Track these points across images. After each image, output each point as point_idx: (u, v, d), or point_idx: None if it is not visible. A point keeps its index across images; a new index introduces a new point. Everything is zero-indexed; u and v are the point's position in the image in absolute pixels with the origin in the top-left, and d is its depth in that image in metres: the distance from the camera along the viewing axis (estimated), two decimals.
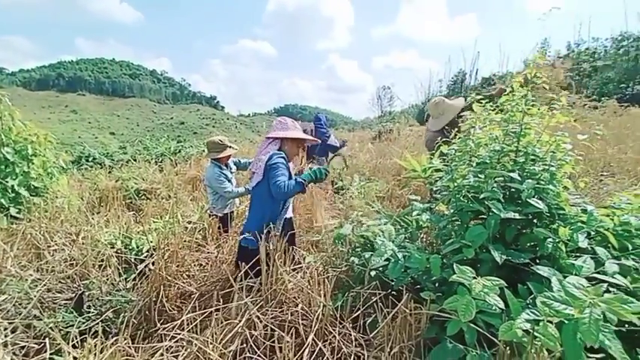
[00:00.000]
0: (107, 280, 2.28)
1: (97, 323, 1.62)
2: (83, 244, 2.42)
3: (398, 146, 5.83)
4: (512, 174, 1.26)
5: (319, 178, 1.83)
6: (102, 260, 2.42)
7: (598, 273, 1.01)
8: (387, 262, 1.40)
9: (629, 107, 7.82)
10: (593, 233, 1.33)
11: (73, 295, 1.98)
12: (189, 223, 2.81)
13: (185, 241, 2.50)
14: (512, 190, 1.41)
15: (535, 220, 1.49)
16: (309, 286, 1.58)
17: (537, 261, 1.31)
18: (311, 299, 1.52)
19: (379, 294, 1.39)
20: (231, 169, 3.06)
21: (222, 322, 1.37)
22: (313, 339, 1.36)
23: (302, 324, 1.43)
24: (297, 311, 1.49)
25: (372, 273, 1.55)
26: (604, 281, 0.98)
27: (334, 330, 1.41)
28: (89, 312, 1.81)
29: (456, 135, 1.71)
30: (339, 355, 1.33)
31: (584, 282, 0.91)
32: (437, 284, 1.38)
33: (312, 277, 1.61)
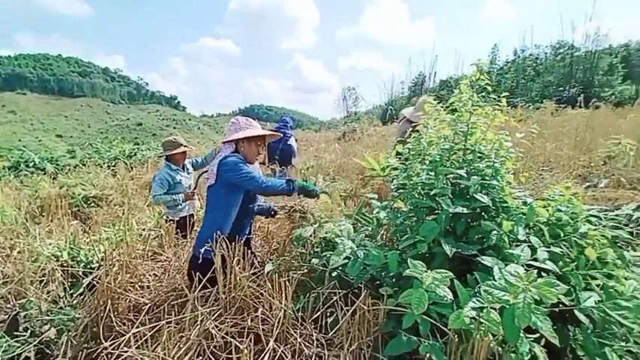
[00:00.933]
0: (49, 297, 2.07)
1: (33, 346, 1.46)
2: (18, 258, 2.18)
3: (362, 146, 5.95)
4: (459, 171, 1.33)
5: (310, 192, 1.79)
6: (43, 275, 2.20)
7: (534, 260, 1.10)
8: (346, 261, 1.42)
9: (566, 108, 8.70)
10: (532, 224, 1.44)
11: (6, 316, 1.78)
12: (144, 230, 2.65)
13: (139, 249, 2.36)
14: (462, 186, 1.49)
15: (483, 214, 1.59)
16: (269, 290, 1.55)
17: (484, 252, 1.40)
18: (272, 303, 1.49)
19: (339, 293, 1.39)
20: (188, 170, 2.93)
21: (175, 335, 1.29)
22: (274, 343, 1.34)
23: (262, 329, 1.40)
24: (257, 316, 1.45)
25: (334, 273, 1.56)
26: (539, 268, 1.06)
27: (295, 332, 1.40)
28: (25, 335, 1.63)
29: (411, 134, 1.78)
30: (301, 357, 1.32)
31: (520, 270, 0.98)
32: (395, 279, 1.42)
33: (272, 281, 1.58)
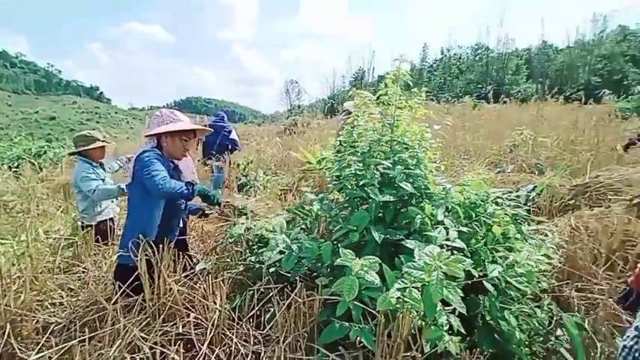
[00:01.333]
0: None
1: None
2: None
3: (303, 139, 5.97)
4: (385, 161, 1.40)
5: (209, 198, 1.65)
6: None
7: (447, 240, 1.22)
8: (282, 256, 1.41)
9: (483, 103, 9.85)
10: (450, 207, 1.59)
11: None
12: (55, 239, 2.32)
13: (48, 262, 2.06)
14: (391, 175, 1.57)
15: (410, 200, 1.71)
16: (203, 292, 1.48)
17: (411, 236, 1.51)
18: (206, 306, 1.42)
19: (275, 288, 1.38)
20: (111, 168, 2.63)
21: (92, 354, 1.16)
22: (209, 347, 1.28)
23: (195, 334, 1.33)
24: (189, 322, 1.37)
25: (271, 269, 1.55)
26: (454, 247, 1.18)
27: (232, 332, 1.36)
28: None
29: (343, 127, 1.82)
30: (238, 356, 1.28)
31: (437, 249, 1.08)
32: (330, 270, 1.45)
33: (206, 282, 1.50)
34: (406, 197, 1.73)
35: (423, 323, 1.15)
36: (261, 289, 1.51)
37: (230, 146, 4.97)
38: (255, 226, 1.62)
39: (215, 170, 4.95)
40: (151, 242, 1.51)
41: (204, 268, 1.60)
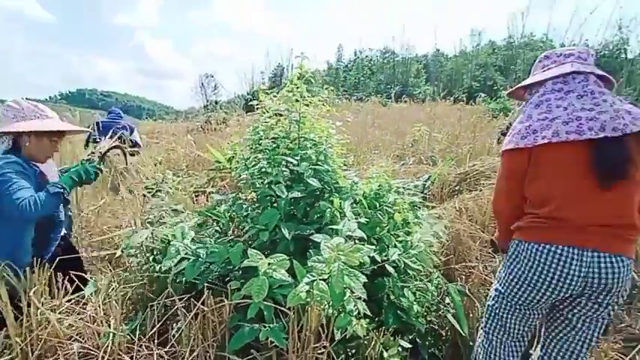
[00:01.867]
0: None
1: None
2: None
3: (219, 137, 5.66)
4: (289, 158, 1.41)
5: (86, 178, 1.38)
6: None
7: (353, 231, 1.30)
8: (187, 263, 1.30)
9: (392, 102, 10.84)
10: (357, 199, 1.70)
11: None
12: None
13: None
14: (300, 172, 1.60)
15: (322, 195, 1.77)
16: (93, 317, 1.27)
17: (322, 230, 1.56)
18: (95, 332, 1.22)
19: (182, 299, 1.27)
20: None
21: None
22: None
23: None
24: (74, 353, 1.17)
25: (178, 279, 1.42)
26: (357, 237, 1.26)
27: (131, 356, 1.20)
28: None
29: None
30: None
31: (341, 241, 1.13)
32: (242, 272, 1.41)
33: (97, 305, 1.30)
34: (317, 192, 1.79)
35: (335, 312, 1.21)
36: (167, 303, 1.38)
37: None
38: (154, 233, 1.45)
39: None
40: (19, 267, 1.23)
41: (96, 290, 1.37)
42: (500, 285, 1.25)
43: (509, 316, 1.23)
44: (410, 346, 1.30)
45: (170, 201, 2.51)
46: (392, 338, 1.36)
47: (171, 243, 1.25)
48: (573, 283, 1.08)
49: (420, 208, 2.16)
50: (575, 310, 1.15)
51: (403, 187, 2.10)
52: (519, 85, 1.34)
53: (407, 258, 1.38)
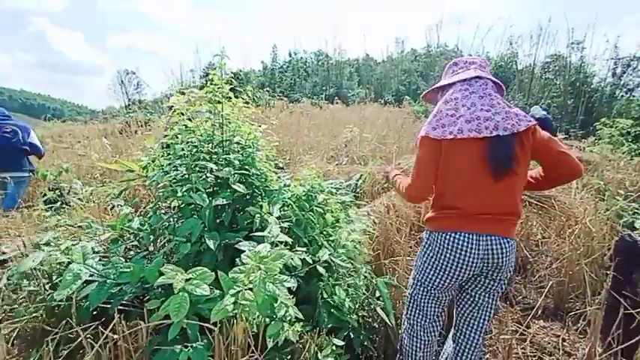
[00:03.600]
0: None
1: None
2: None
3: (139, 140, 5.12)
4: (209, 163, 1.33)
5: None
6: None
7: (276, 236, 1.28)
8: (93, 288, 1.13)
9: (328, 104, 11.11)
10: (287, 202, 1.69)
11: None
12: None
13: None
14: (225, 177, 1.52)
15: (251, 200, 1.71)
16: None
17: (252, 237, 1.51)
18: None
19: (86, 329, 1.10)
20: None
21: None
22: None
23: None
24: None
25: (86, 305, 1.23)
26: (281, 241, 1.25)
27: None
28: None
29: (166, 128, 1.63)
30: None
31: (267, 247, 1.11)
32: (163, 290, 1.28)
33: None
34: (247, 197, 1.72)
35: (267, 320, 1.17)
36: (71, 335, 1.18)
37: (26, 152, 3.74)
38: (51, 256, 1.23)
39: (10, 185, 3.63)
40: None
41: None
42: (417, 273, 1.39)
43: (426, 300, 1.38)
44: (342, 343, 1.33)
45: (76, 215, 2.19)
46: (327, 337, 1.37)
47: (69, 267, 1.07)
48: (474, 264, 1.25)
49: (350, 206, 2.24)
50: (477, 288, 1.34)
51: (335, 188, 2.15)
52: (434, 86, 1.48)
53: (337, 257, 1.41)
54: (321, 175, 2.01)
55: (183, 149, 1.38)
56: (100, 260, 1.27)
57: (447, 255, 1.26)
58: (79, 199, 3.01)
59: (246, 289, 1.02)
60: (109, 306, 1.20)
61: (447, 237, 1.26)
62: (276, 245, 1.20)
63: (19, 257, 1.41)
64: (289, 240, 1.18)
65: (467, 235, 1.23)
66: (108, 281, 1.12)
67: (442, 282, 1.31)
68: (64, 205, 2.84)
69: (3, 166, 3.55)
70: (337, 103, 9.63)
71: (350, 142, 4.37)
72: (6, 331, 1.19)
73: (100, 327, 1.11)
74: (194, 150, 1.40)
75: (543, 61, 21.34)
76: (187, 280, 0.99)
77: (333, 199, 1.85)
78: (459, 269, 1.26)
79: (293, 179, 2.05)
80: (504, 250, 1.25)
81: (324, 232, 1.78)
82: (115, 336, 1.01)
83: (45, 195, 3.07)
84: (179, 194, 1.41)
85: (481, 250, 1.23)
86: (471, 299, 1.38)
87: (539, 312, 1.80)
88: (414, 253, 2.12)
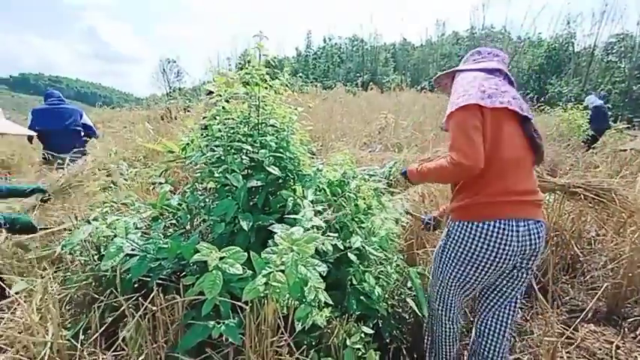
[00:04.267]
0: None
1: None
2: None
3: (179, 125, 5.34)
4: (245, 145, 1.33)
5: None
6: None
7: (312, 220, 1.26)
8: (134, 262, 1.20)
9: (362, 90, 10.87)
10: (320, 187, 1.66)
11: None
12: None
13: None
14: (260, 159, 1.52)
15: (283, 183, 1.71)
16: (27, 323, 1.14)
17: (284, 219, 1.51)
18: (29, 342, 1.10)
19: (129, 299, 1.17)
20: None
21: None
22: None
23: None
24: None
25: (128, 277, 1.31)
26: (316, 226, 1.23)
27: None
28: None
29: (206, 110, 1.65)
30: None
31: (300, 231, 1.09)
32: (199, 268, 1.33)
33: (31, 310, 1.16)
34: (280, 181, 1.72)
35: (296, 303, 1.18)
36: (115, 304, 1.27)
37: (83, 134, 4.05)
38: (99, 229, 1.32)
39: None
40: None
41: (25, 289, 1.23)
42: (445, 270, 1.32)
43: (457, 298, 1.35)
44: (372, 331, 1.30)
45: (122, 194, 2.34)
46: (356, 324, 1.36)
47: (114, 240, 1.14)
48: (514, 254, 1.16)
49: (383, 194, 2.17)
50: (507, 279, 1.27)
51: (368, 175, 2.09)
52: (455, 69, 1.37)
53: (369, 245, 1.37)
54: (354, 160, 1.96)
55: (220, 130, 1.39)
56: (141, 236, 1.34)
57: (485, 248, 1.17)
58: (124, 179, 3.23)
59: (277, 271, 1.02)
60: (149, 279, 1.27)
61: (486, 227, 1.16)
62: (309, 230, 1.18)
63: (72, 229, 1.53)
64: (323, 224, 1.16)
65: (506, 223, 1.14)
66: (148, 256, 1.17)
67: (477, 280, 1.24)
68: (111, 185, 3.05)
69: (60, 147, 3.88)
70: (372, 89, 9.36)
71: (384, 128, 4.24)
72: (60, 296, 1.30)
73: (140, 298, 1.18)
74: (230, 131, 1.41)
75: (606, 42, 19.14)
76: (221, 258, 1.01)
77: (366, 185, 1.80)
78: (497, 263, 1.18)
79: (325, 164, 2.02)
80: (541, 236, 1.18)
81: (356, 219, 1.74)
82: (154, 308, 1.06)
83: (95, 174, 3.33)
84: (215, 175, 1.44)
85: (520, 238, 1.14)
86: (499, 291, 1.30)
87: (589, 315, 1.64)
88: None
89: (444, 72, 1.43)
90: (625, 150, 4.46)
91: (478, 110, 1.13)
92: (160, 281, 1.29)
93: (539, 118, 7.52)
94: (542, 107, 8.97)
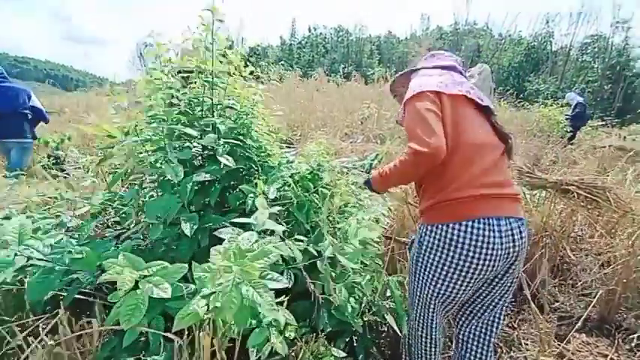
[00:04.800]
0: None
1: None
2: None
3: None
4: (189, 129, 1.07)
5: None
6: None
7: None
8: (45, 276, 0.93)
9: (347, 81, 10.60)
10: (288, 180, 1.43)
11: None
12: None
13: None
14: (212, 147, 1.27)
15: (247, 177, 1.47)
16: None
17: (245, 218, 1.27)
18: None
19: (36, 321, 0.91)
20: None
21: None
22: None
23: None
24: None
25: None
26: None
27: None
28: None
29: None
30: None
31: (253, 237, 0.86)
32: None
33: None
34: (243, 173, 1.48)
35: (250, 324, 0.95)
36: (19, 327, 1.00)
37: (29, 116, 3.59)
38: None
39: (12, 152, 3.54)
40: None
41: None
42: (422, 282, 1.14)
43: (438, 310, 1.15)
44: (344, 354, 1.10)
45: (69, 186, 2.03)
46: (326, 344, 1.15)
47: (9, 249, 0.86)
48: (498, 257, 0.99)
49: (363, 188, 1.97)
50: (492, 286, 1.11)
51: (346, 167, 1.87)
52: (409, 69, 1.28)
53: (342, 254, 1.15)
54: (331, 152, 1.73)
55: (158, 111, 1.13)
56: (59, 241, 1.06)
57: (465, 254, 0.99)
58: (77, 168, 2.87)
59: (218, 293, 0.79)
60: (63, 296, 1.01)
61: (462, 229, 0.98)
62: (266, 234, 0.95)
63: None
64: (280, 228, 0.93)
65: (485, 222, 0.97)
66: (57, 268, 0.90)
67: (459, 292, 1.07)
68: (59, 174, 2.69)
69: (5, 132, 3.43)
70: (355, 78, 9.09)
71: (367, 119, 4.03)
72: None
73: (42, 325, 0.91)
74: (173, 113, 1.14)
75: (582, 42, 19.72)
76: (146, 276, 0.76)
77: (343, 179, 1.58)
78: (479, 270, 1.00)
79: (299, 155, 1.79)
80: (524, 235, 1.04)
81: (330, 218, 1.53)
82: (57, 338, 0.81)
83: (41, 162, 2.94)
84: (158, 165, 1.18)
85: (503, 239, 0.98)
86: (482, 299, 1.15)
87: (580, 323, 1.51)
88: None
89: (399, 74, 1.33)
90: (604, 147, 4.47)
91: (435, 96, 1.04)
92: (84, 296, 1.03)
93: (519, 113, 7.54)
94: (523, 103, 9.07)
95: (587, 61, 19.16)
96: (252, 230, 0.93)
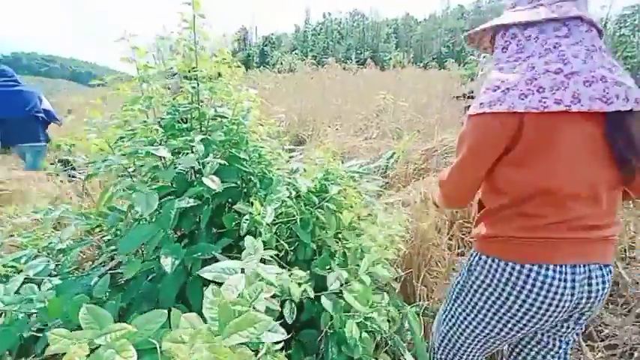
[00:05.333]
0: None
1: None
2: None
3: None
4: (160, 148, 0.91)
5: None
6: None
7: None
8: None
9: (362, 68, 10.19)
10: (287, 198, 1.26)
11: None
12: None
13: None
14: (205, 164, 1.12)
15: (246, 195, 1.32)
16: None
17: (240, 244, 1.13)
18: None
19: None
20: None
21: None
22: None
23: None
24: None
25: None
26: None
27: None
28: None
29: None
30: None
31: (243, 282, 0.71)
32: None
33: None
34: (244, 188, 1.33)
35: None
36: None
37: (41, 119, 3.59)
38: None
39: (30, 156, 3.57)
40: None
41: None
42: (464, 313, 0.95)
43: (476, 348, 0.97)
44: None
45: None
46: None
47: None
48: (563, 309, 0.80)
49: (380, 195, 1.78)
50: (553, 331, 0.92)
51: (358, 172, 1.68)
52: (495, 22, 0.85)
53: (350, 290, 0.99)
54: (341, 154, 1.55)
55: (131, 126, 0.98)
56: (20, 288, 0.92)
57: (522, 300, 0.80)
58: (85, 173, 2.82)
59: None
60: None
61: (526, 272, 0.78)
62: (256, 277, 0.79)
63: None
64: (276, 272, 0.76)
65: (560, 270, 0.76)
66: (20, 317, 0.79)
67: (504, 337, 0.88)
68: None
69: (19, 136, 3.45)
70: (369, 65, 8.70)
71: (382, 111, 3.78)
72: None
73: None
74: (150, 128, 0.99)
75: (619, 14, 18.10)
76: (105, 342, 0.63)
77: (353, 187, 1.40)
78: (535, 321, 0.82)
79: (306, 159, 1.61)
80: (607, 285, 0.81)
81: (339, 236, 1.36)
82: None
83: (47, 170, 2.92)
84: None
85: (576, 290, 0.78)
86: (538, 342, 0.95)
87: (637, 354, 1.29)
88: (459, 261, 1.64)
89: (480, 28, 0.91)
90: None
91: (508, 124, 0.73)
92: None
93: None
94: None
95: (625, 35, 17.61)
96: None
